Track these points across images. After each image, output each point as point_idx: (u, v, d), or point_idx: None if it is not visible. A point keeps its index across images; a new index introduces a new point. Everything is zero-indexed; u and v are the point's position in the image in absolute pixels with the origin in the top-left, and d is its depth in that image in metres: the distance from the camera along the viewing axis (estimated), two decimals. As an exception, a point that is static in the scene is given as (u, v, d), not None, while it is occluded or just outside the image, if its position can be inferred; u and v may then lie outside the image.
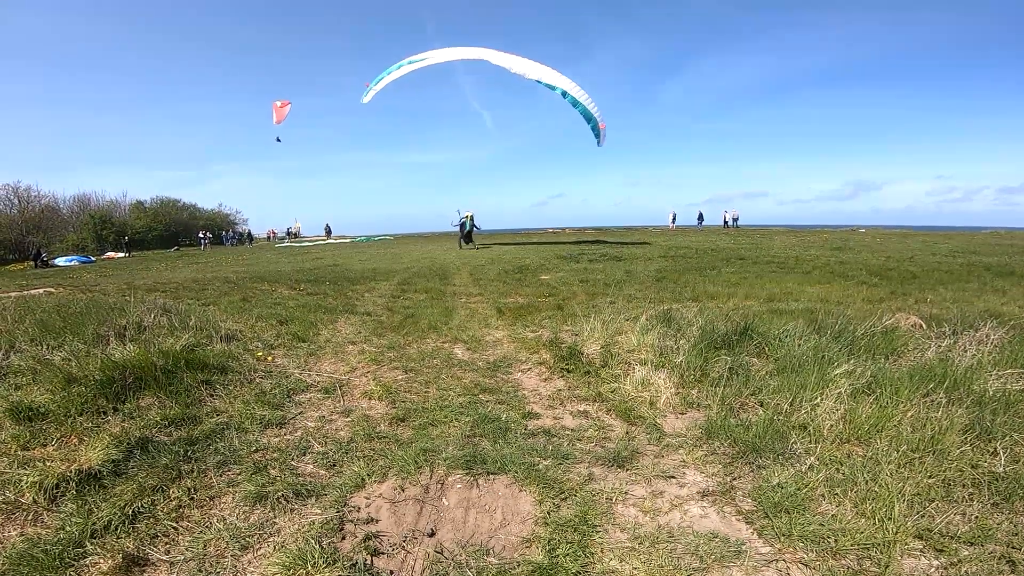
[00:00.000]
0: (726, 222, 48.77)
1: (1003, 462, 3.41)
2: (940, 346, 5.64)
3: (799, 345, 5.65)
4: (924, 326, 6.69)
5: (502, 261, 19.61)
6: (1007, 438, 3.66)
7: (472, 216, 27.49)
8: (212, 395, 4.81)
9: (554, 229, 49.41)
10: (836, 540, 2.79)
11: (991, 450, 3.57)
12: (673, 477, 3.62)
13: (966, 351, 5.38)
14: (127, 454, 3.57)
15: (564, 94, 21.69)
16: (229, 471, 3.59)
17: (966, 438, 3.68)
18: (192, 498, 3.24)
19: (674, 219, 49.88)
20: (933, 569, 2.63)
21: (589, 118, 22.25)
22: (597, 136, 22.96)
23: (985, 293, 11.81)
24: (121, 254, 38.22)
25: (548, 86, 21.71)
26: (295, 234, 58.99)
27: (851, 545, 2.75)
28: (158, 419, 4.18)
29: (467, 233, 27.34)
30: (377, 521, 3.08)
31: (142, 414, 4.27)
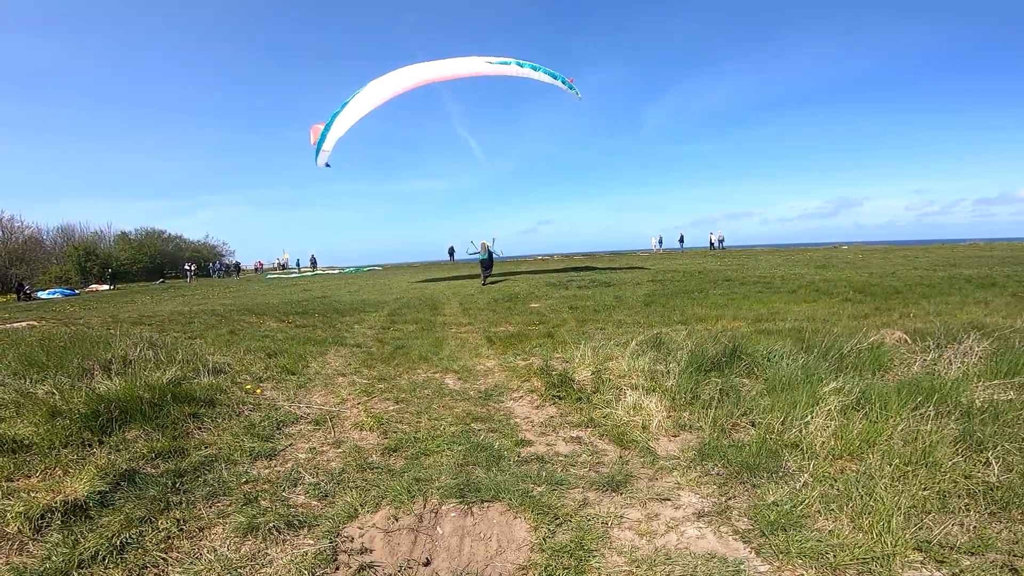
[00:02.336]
0: (712, 243, 49.32)
1: (996, 472, 3.43)
2: (926, 360, 5.72)
3: (788, 364, 5.70)
4: (909, 340, 6.78)
5: (491, 290, 19.67)
6: (998, 448, 3.69)
7: (488, 245, 23.99)
8: (200, 428, 4.74)
9: (543, 256, 49.71)
10: (835, 555, 2.78)
11: (983, 460, 3.60)
12: (668, 499, 3.60)
13: (952, 364, 5.46)
14: (114, 486, 3.52)
15: (535, 68, 21.53)
16: (219, 502, 3.52)
17: (957, 449, 3.72)
18: (181, 529, 3.17)
19: (660, 242, 50.41)
20: (934, 581, 2.62)
21: (557, 76, 22.01)
22: (573, 88, 22.57)
23: (967, 305, 11.99)
24: (105, 286, 37.78)
25: (518, 63, 21.49)
26: (283, 265, 58.73)
27: (850, 560, 2.74)
28: (145, 451, 4.11)
29: (487, 264, 23.66)
30: (371, 551, 3.03)
31: (128, 446, 4.20)
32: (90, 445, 4.15)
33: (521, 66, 21.38)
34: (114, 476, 3.62)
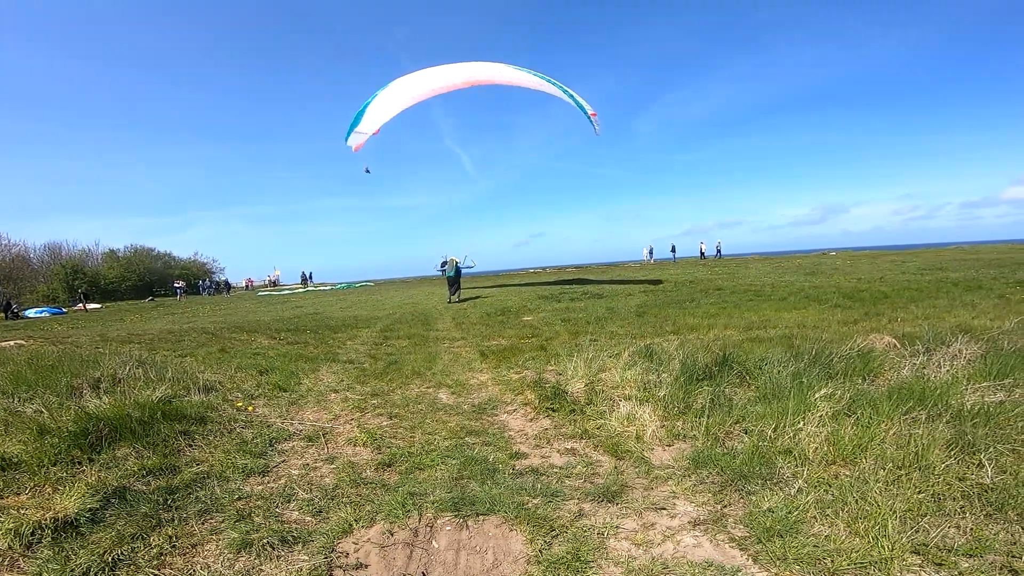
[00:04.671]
0: (702, 253, 49.64)
1: (990, 474, 3.45)
2: (915, 364, 5.76)
3: (778, 372, 5.73)
4: (898, 345, 6.84)
5: (484, 304, 19.65)
6: (991, 450, 3.71)
7: (458, 262, 22.45)
8: (191, 445, 4.69)
9: (535, 269, 49.78)
10: (833, 560, 2.78)
11: (976, 462, 3.62)
12: (664, 508, 3.59)
13: (941, 367, 5.52)
14: (104, 503, 3.48)
15: (564, 90, 20.45)
16: (211, 519, 3.48)
17: (950, 452, 3.73)
18: (174, 546, 3.13)
19: (651, 253, 50.62)
20: (934, 583, 2.61)
21: (582, 108, 20.65)
22: (592, 123, 21.12)
23: (955, 308, 12.13)
24: (95, 305, 37.32)
25: (549, 80, 20.49)
26: (274, 282, 58.23)
27: (848, 565, 2.74)
28: (135, 469, 4.07)
29: (452, 281, 22.33)
30: (366, 566, 3.00)
31: (118, 464, 4.16)
32: (79, 463, 4.10)
33: (552, 83, 20.55)
34: (104, 493, 3.59)
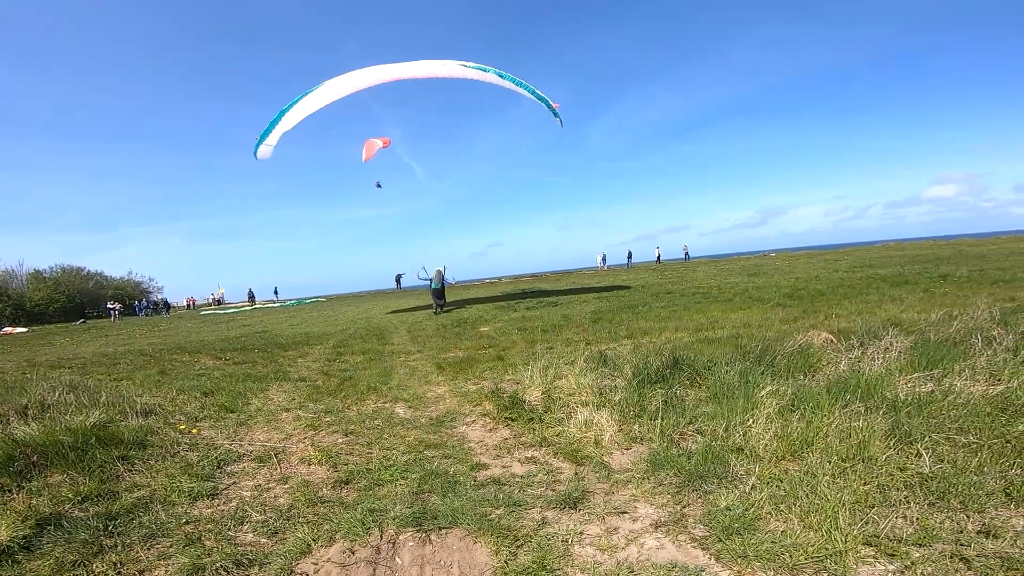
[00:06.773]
0: (658, 258, 50.98)
1: (929, 463, 3.61)
2: (851, 358, 6.04)
3: (726, 372, 5.89)
4: (835, 340, 7.17)
5: (440, 317, 19.49)
6: (926, 439, 3.91)
7: (441, 271, 22.57)
8: (131, 470, 4.47)
9: (491, 279, 49.76)
10: (791, 555, 2.85)
11: (914, 452, 3.79)
12: (625, 512, 3.62)
13: (875, 360, 5.80)
14: (38, 530, 3.35)
15: (517, 82, 19.46)
16: (158, 544, 3.33)
17: (889, 443, 3.91)
18: (119, 572, 2.99)
19: (604, 260, 51.45)
20: (890, 574, 2.70)
21: (542, 98, 20.01)
22: (557, 116, 20.62)
23: (885, 303, 12.86)
24: (21, 328, 34.78)
25: (498, 73, 19.40)
26: (219, 300, 55.79)
27: (805, 560, 2.81)
28: (70, 495, 3.90)
29: (439, 293, 22.15)
30: (327, 587, 2.90)
31: (51, 491, 3.98)
32: (9, 490, 3.94)
33: (502, 76, 19.42)
34: (38, 521, 3.45)
